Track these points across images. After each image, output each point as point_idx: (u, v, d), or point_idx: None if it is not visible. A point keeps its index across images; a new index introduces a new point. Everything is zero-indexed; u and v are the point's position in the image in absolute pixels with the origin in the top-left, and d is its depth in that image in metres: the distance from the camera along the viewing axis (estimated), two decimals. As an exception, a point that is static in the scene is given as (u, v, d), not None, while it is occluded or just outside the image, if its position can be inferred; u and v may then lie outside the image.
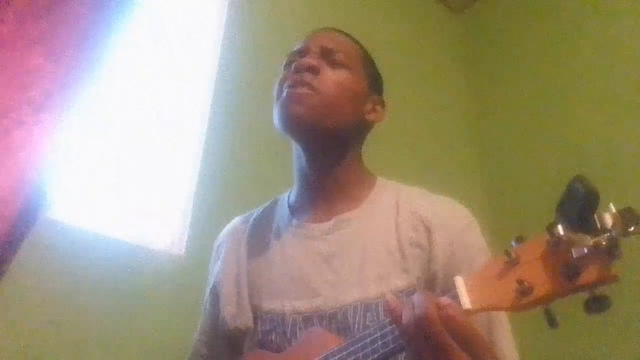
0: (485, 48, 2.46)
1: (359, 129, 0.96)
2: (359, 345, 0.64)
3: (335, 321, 0.80)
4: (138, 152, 1.34)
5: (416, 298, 0.57)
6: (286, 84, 0.89)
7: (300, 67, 0.88)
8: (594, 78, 1.95)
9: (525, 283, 0.52)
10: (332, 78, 0.89)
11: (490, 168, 2.21)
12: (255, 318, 0.89)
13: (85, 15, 0.89)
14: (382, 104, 1.00)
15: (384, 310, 0.61)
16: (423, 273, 0.81)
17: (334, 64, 0.91)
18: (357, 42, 0.99)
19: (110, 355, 1.07)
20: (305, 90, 0.86)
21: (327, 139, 0.90)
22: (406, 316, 0.56)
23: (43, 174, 0.84)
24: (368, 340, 0.63)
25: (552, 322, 0.53)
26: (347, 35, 0.99)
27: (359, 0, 2.12)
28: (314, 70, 0.88)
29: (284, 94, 0.88)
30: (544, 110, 2.09)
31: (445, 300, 0.56)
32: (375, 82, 1.00)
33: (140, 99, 1.39)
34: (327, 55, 0.91)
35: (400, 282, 0.81)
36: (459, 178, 2.08)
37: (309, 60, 0.89)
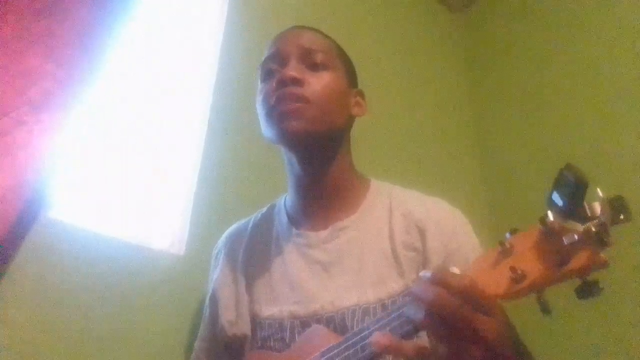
0: (485, 48, 2.46)
1: (347, 126, 0.97)
2: (357, 338, 0.65)
3: (333, 324, 0.80)
4: (138, 151, 1.34)
5: (415, 290, 0.56)
6: (273, 98, 0.88)
7: (284, 81, 0.87)
8: (594, 77, 1.95)
9: (518, 270, 0.53)
10: (318, 84, 0.88)
11: (490, 167, 2.21)
12: (254, 325, 0.90)
13: (85, 15, 0.89)
14: (362, 95, 1.01)
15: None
16: (418, 275, 0.81)
17: (315, 67, 0.90)
18: (328, 37, 0.98)
19: (109, 355, 1.07)
20: (297, 104, 0.86)
21: (323, 144, 0.91)
22: (416, 312, 0.55)
23: (43, 173, 0.84)
24: (366, 333, 0.64)
25: (545, 309, 0.54)
26: (317, 31, 0.98)
27: (358, 0, 2.12)
28: (298, 82, 0.87)
29: (276, 111, 0.87)
30: (543, 109, 2.09)
31: (438, 273, 0.55)
32: (352, 74, 1.00)
33: (140, 98, 1.39)
34: (306, 57, 0.90)
35: (396, 285, 0.82)
36: (459, 177, 2.08)
37: (291, 72, 0.87)
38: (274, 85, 0.88)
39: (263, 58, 0.96)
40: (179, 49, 1.52)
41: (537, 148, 2.03)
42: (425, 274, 0.56)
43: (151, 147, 1.37)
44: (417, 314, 0.54)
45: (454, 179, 2.01)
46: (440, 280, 0.53)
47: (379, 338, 0.58)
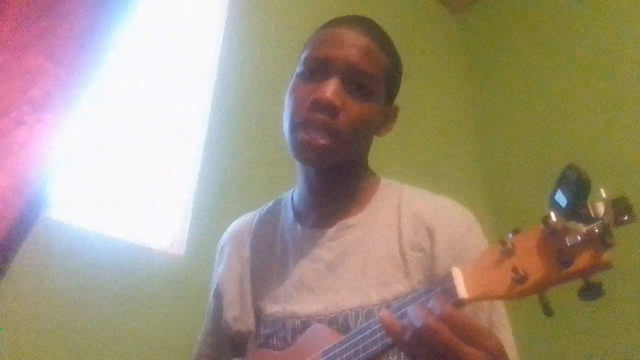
0: (485, 48, 2.46)
1: (370, 143, 0.95)
2: (359, 337, 0.64)
3: (336, 325, 0.79)
4: (138, 152, 1.34)
5: (410, 311, 0.57)
6: (303, 115, 0.83)
7: (319, 105, 0.81)
8: (593, 78, 1.95)
9: (520, 271, 0.52)
10: (353, 115, 0.83)
11: (490, 167, 2.21)
12: (257, 321, 0.89)
13: (85, 15, 0.89)
14: (396, 112, 0.97)
15: (382, 329, 0.60)
16: (425, 277, 0.80)
17: (356, 93, 0.84)
18: (384, 46, 0.91)
19: (110, 355, 1.07)
20: (324, 138, 0.81)
21: (343, 165, 0.89)
22: (407, 333, 0.55)
23: (44, 174, 0.84)
24: (368, 332, 0.63)
25: (547, 310, 0.53)
26: (376, 39, 0.90)
27: (359, 1, 2.12)
28: (333, 111, 0.81)
29: (300, 135, 0.82)
30: (543, 109, 2.09)
31: (437, 304, 0.55)
32: (395, 90, 0.95)
33: (140, 98, 1.39)
34: (351, 78, 0.84)
35: (402, 287, 0.80)
36: (459, 177, 2.08)
37: (330, 95, 0.81)
38: (309, 102, 0.83)
39: (311, 44, 0.90)
40: (179, 49, 1.52)
41: (537, 148, 2.03)
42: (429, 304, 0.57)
43: (151, 147, 1.37)
44: (417, 322, 0.55)
45: (454, 178, 2.01)
46: (437, 313, 0.54)
47: (385, 314, 0.59)
